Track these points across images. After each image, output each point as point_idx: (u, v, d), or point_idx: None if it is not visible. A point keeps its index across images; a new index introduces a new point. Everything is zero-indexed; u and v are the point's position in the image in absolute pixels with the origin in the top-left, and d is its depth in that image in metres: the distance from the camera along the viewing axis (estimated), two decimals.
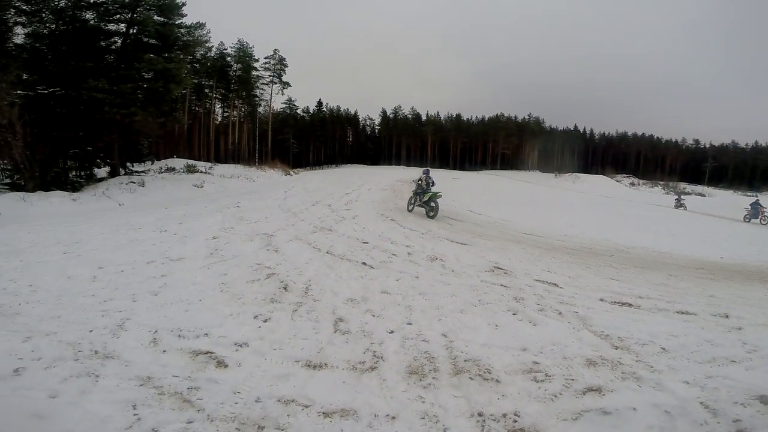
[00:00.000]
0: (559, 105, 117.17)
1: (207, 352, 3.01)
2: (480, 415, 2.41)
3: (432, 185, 10.58)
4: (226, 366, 2.85)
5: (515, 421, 2.36)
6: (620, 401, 2.53)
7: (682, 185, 53.58)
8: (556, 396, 2.61)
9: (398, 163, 54.34)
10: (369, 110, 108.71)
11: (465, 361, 3.02)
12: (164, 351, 3.04)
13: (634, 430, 2.28)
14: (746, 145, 68.14)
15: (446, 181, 27.09)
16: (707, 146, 69.16)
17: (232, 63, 39.71)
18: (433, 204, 9.97)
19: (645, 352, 3.22)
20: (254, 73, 41.43)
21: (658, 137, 72.42)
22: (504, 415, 2.41)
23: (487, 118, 67.88)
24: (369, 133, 68.20)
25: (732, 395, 2.60)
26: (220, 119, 43.01)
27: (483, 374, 2.84)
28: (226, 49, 39.17)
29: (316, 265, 5.30)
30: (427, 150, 63.95)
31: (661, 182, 54.13)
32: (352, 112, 65.38)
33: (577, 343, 3.36)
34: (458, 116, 67.95)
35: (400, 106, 66.69)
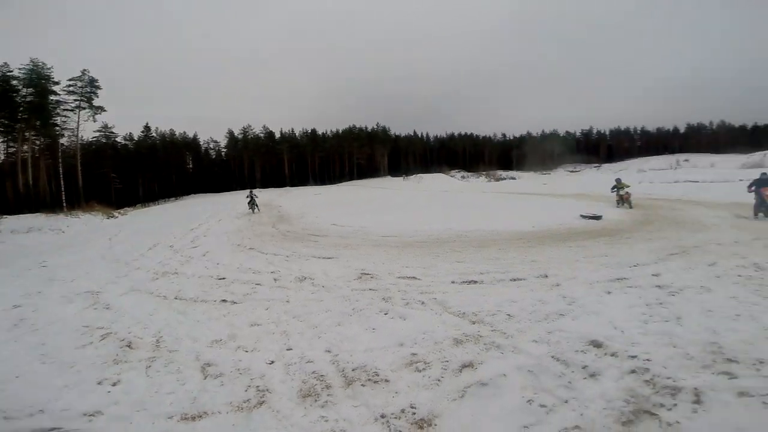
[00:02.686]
0: (401, 113, 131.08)
1: (52, 429, 2.55)
2: (383, 416, 2.49)
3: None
4: None
5: (414, 413, 2.51)
6: (491, 370, 2.89)
7: (499, 172, 65.81)
8: (439, 380, 2.85)
9: (253, 186, 51.47)
10: (212, 134, 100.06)
11: (353, 370, 3.08)
12: None
13: (511, 393, 2.61)
14: (537, 133, 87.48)
15: (307, 198, 27.01)
16: (511, 138, 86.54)
17: (20, 87, 31.30)
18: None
19: (496, 321, 3.77)
20: (53, 98, 33.46)
21: (476, 135, 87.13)
22: (403, 411, 2.54)
23: (341, 131, 70.28)
24: (214, 157, 62.84)
25: (571, 345, 3.18)
26: (3, 157, 33.43)
27: (373, 378, 2.94)
28: (10, 71, 30.62)
29: (163, 315, 4.64)
30: (284, 168, 62.37)
31: (484, 172, 65.30)
32: (191, 136, 59.21)
33: (442, 326, 3.74)
34: (314, 131, 68.52)
35: (250, 126, 63.49)
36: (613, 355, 2.99)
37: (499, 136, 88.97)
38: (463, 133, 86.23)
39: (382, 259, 6.83)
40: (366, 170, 67.06)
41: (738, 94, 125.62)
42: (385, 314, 4.16)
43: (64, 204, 30.37)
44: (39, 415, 2.72)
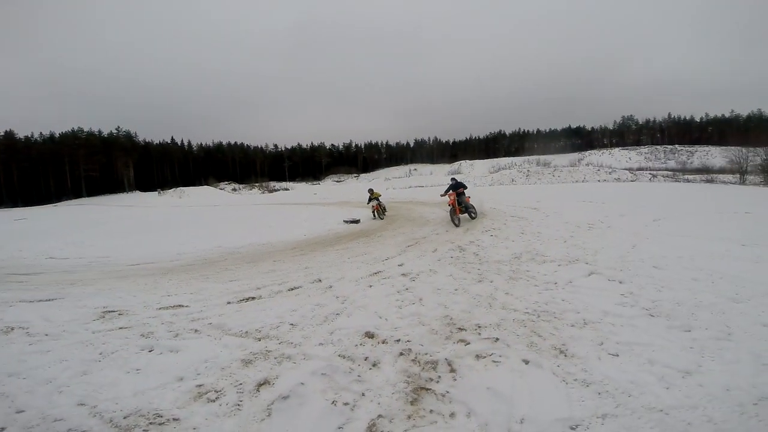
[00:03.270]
0: (153, 119, 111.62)
1: None
2: None
3: None
4: None
5: None
6: (289, 382, 2.84)
7: (272, 183, 66.13)
8: (239, 405, 2.63)
9: None
10: None
11: (125, 417, 2.52)
12: None
13: (314, 399, 2.63)
14: (306, 145, 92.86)
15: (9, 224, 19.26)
16: (283, 149, 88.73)
17: None
18: None
19: (281, 333, 3.76)
20: None
21: (248, 145, 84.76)
22: None
23: (58, 135, 53.43)
24: None
25: (351, 340, 3.45)
26: None
27: (156, 420, 2.49)
28: None
29: None
30: None
31: (256, 184, 64.17)
32: None
33: (225, 350, 3.46)
34: (11, 132, 49.21)
35: None
36: (383, 342, 3.44)
37: (271, 146, 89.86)
38: (233, 142, 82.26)
39: (132, 292, 5.67)
40: (103, 184, 54.11)
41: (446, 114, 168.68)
42: (150, 351, 3.49)
43: None
44: None
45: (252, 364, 3.22)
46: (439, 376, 2.91)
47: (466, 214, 10.83)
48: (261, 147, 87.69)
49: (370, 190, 14.95)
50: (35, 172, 50.80)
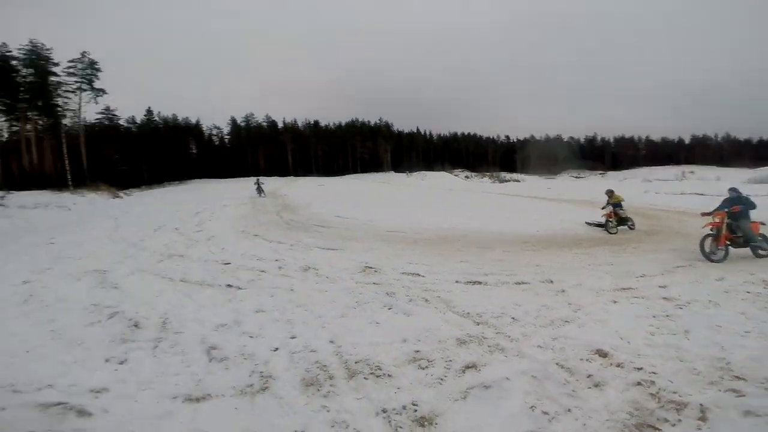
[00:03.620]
0: (404, 109, 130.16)
1: (59, 403, 2.56)
2: (384, 411, 2.50)
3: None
4: (89, 414, 2.47)
5: (416, 411, 2.50)
6: (495, 373, 2.86)
7: (503, 174, 65.74)
8: (442, 379, 2.85)
9: (257, 174, 51.35)
10: (215, 120, 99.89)
11: (356, 362, 3.08)
12: (3, 409, 2.50)
13: (515, 398, 2.58)
14: (541, 137, 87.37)
15: (311, 189, 27.02)
16: (515, 140, 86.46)
17: (20, 67, 31.21)
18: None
19: (500, 324, 3.75)
20: (54, 79, 33.43)
21: (480, 135, 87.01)
22: (404, 407, 2.53)
23: (344, 124, 70.07)
24: (217, 143, 62.74)
25: (576, 352, 3.15)
26: (7, 135, 33.42)
27: (375, 372, 2.95)
28: (9, 51, 30.52)
29: (169, 297, 4.68)
30: (287, 158, 62.27)
31: (487, 173, 65.25)
32: (193, 121, 59.06)
33: (446, 325, 3.74)
34: (317, 123, 68.34)
35: (252, 114, 63.32)
36: (618, 365, 2.97)
37: (503, 138, 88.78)
38: (466, 132, 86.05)
39: (386, 254, 6.86)
40: (369, 164, 66.93)
41: (745, 104, 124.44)
42: (389, 309, 4.17)
43: (70, 182, 30.47)
44: (47, 390, 2.75)
45: (465, 345, 3.33)
46: (680, 420, 2.34)
47: (748, 249, 6.70)
48: (492, 138, 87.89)
49: (609, 192, 10.86)
50: (330, 152, 68.09)
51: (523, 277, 5.40)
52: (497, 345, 3.33)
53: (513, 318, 3.90)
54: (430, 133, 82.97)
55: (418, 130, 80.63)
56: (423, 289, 4.80)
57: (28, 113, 32.78)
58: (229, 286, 5.05)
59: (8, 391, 2.74)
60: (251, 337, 3.59)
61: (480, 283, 5.13)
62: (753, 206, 6.87)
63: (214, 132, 62.21)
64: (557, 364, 3.00)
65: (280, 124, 64.74)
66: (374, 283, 5.06)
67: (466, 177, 62.27)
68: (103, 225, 11.18)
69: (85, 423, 2.41)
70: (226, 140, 63.14)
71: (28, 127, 33.15)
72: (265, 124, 63.60)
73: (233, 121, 62.35)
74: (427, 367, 3.02)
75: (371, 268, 5.82)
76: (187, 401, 2.63)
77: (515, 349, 3.26)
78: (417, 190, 31.69)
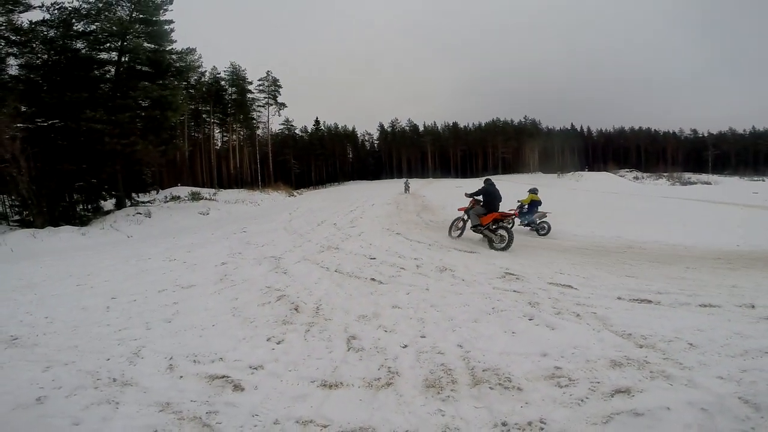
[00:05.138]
0: (554, 106, 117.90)
1: (223, 376, 2.99)
2: (504, 424, 2.33)
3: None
4: (242, 389, 2.82)
5: (542, 429, 2.28)
6: (652, 401, 2.44)
7: (687, 175, 53.42)
8: (582, 400, 2.52)
9: (400, 176, 54.50)
10: (366, 126, 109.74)
11: (483, 371, 2.94)
12: (181, 377, 3.03)
13: (670, 429, 2.19)
14: (744, 131, 68.10)
15: (449, 189, 27.19)
16: (705, 135, 69.31)
17: (227, 87, 40.35)
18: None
19: (672, 349, 3.12)
20: (249, 95, 42.13)
21: (655, 130, 72.88)
22: (529, 423, 2.32)
23: (483, 124, 68.40)
24: (368, 148, 68.79)
25: None
26: (220, 144, 43.54)
27: (503, 383, 2.76)
28: (219, 74, 39.87)
29: (325, 285, 5.27)
30: (427, 160, 64.23)
31: (665, 174, 53.90)
32: (350, 129, 66.05)
33: (599, 344, 3.27)
34: (455, 124, 68.59)
35: (398, 119, 67.50)
36: None
37: (688, 132, 71.88)
38: (636, 127, 72.78)
39: (530, 261, 6.35)
40: (512, 165, 63.36)
41: None
42: (530, 320, 3.84)
43: (260, 183, 37.90)
44: (218, 363, 3.20)
45: (620, 368, 2.85)
46: None
47: None
48: (673, 132, 71.84)
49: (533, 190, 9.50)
50: (469, 153, 67.12)
51: (711, 300, 4.31)
52: (662, 371, 2.76)
53: (690, 344, 3.18)
54: (588, 129, 73.53)
55: (572, 126, 72.43)
56: (574, 303, 4.26)
57: (234, 125, 42.14)
58: (373, 279, 5.43)
59: (190, 361, 3.26)
60: (386, 331, 3.76)
61: (650, 302, 4.28)
62: None
63: (366, 138, 68.36)
64: (740, 398, 2.39)
65: (421, 128, 66.91)
66: (515, 291, 4.74)
67: (635, 178, 52.71)
68: (281, 218, 13.47)
69: (237, 397, 2.72)
70: (375, 145, 68.65)
71: (234, 137, 42.61)
72: (407, 128, 66.74)
73: (381, 127, 67.34)
74: (567, 385, 2.68)
75: (512, 274, 5.48)
76: (322, 386, 2.84)
77: (686, 377, 2.67)
78: (569, 192, 28.44)
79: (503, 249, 7.32)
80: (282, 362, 3.22)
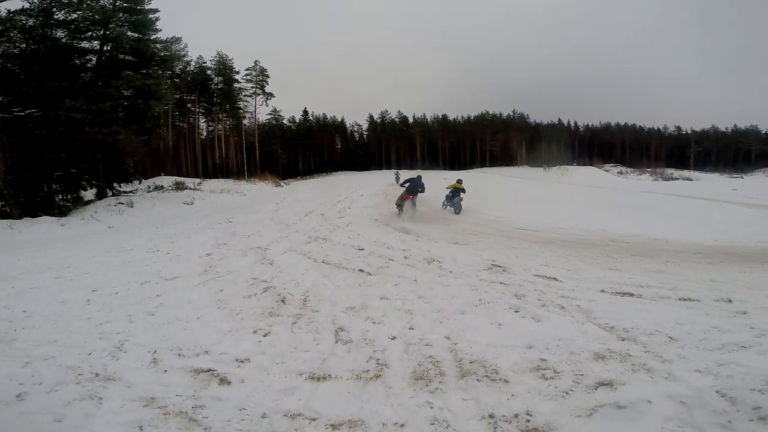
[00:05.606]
0: (542, 100, 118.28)
1: (209, 370, 2.96)
2: (491, 416, 2.36)
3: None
4: (229, 383, 2.80)
5: (528, 421, 2.32)
6: (633, 394, 2.50)
7: (669, 171, 54.60)
8: (567, 393, 2.57)
9: (389, 167, 54.33)
10: (355, 116, 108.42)
11: (470, 362, 2.97)
12: (165, 371, 2.99)
13: (651, 422, 2.24)
14: (726, 129, 69.77)
15: (437, 180, 27.18)
16: (689, 132, 70.73)
17: (213, 76, 39.40)
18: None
19: (652, 343, 3.19)
20: (236, 85, 41.20)
21: (640, 126, 73.84)
22: (516, 416, 2.36)
23: (472, 117, 68.32)
24: (357, 139, 68.19)
25: (748, 382, 2.56)
26: (205, 134, 42.67)
27: (490, 375, 2.80)
28: (205, 63, 38.83)
29: (312, 276, 5.25)
30: (416, 152, 64.06)
31: (648, 169, 55.02)
32: (339, 119, 65.34)
33: (583, 337, 3.33)
34: (444, 116, 68.35)
35: (387, 110, 66.84)
36: None
37: (672, 128, 73.29)
38: (622, 123, 73.85)
39: (517, 253, 6.42)
40: (500, 158, 63.73)
41: None
42: (516, 312, 3.90)
43: (246, 173, 37.36)
44: (203, 356, 3.17)
45: (603, 361, 2.92)
46: None
47: None
48: (657, 129, 73.05)
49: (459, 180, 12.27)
50: (457, 145, 67.04)
51: (691, 293, 4.41)
52: (644, 364, 2.83)
53: (670, 337, 3.26)
54: (575, 124, 74.21)
55: (559, 121, 73.02)
56: (559, 295, 4.32)
57: (220, 115, 41.32)
58: (361, 271, 5.42)
59: (175, 355, 3.21)
60: (374, 323, 3.76)
61: (632, 295, 4.37)
62: None
63: (355, 129, 67.76)
64: (717, 392, 2.46)
65: (411, 119, 66.62)
66: (501, 283, 4.79)
67: (620, 173, 53.65)
68: (267, 208, 13.31)
69: (223, 391, 2.70)
70: (364, 135, 68.13)
71: (220, 126, 41.79)
72: (397, 119, 66.36)
73: (371, 118, 66.80)
74: (552, 378, 2.73)
75: (499, 266, 5.53)
76: (310, 379, 2.84)
77: (666, 370, 2.74)
78: (555, 186, 28.82)
79: (403, 216, 10.43)
80: (269, 355, 3.20)
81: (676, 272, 5.44)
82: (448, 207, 11.88)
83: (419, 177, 11.58)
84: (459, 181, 12.29)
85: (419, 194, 11.02)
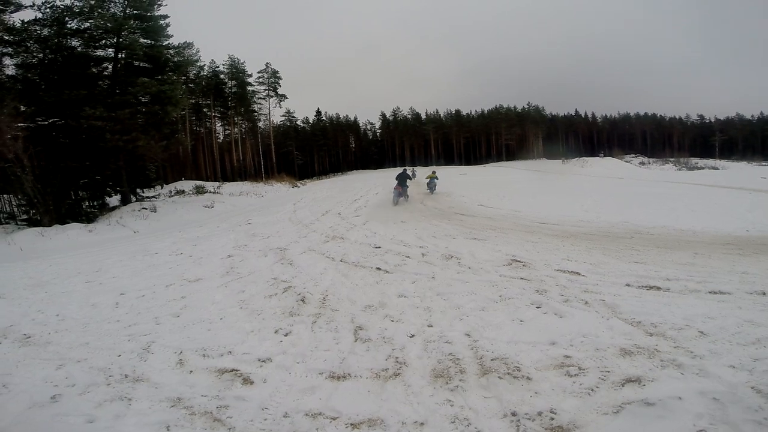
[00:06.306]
0: (557, 92, 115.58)
1: (232, 370, 3.02)
2: (513, 414, 2.33)
3: (414, 175, 21.85)
4: (252, 383, 2.85)
5: (552, 419, 2.27)
6: (663, 391, 2.42)
7: (693, 160, 52.71)
8: (592, 390, 2.51)
9: (403, 164, 54.20)
10: (368, 115, 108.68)
11: (492, 360, 2.93)
12: (191, 371, 3.06)
13: (681, 419, 2.16)
14: (752, 116, 66.84)
15: (452, 176, 27.00)
16: (712, 120, 68.10)
17: (226, 80, 39.98)
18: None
19: (682, 338, 3.08)
20: (249, 88, 41.74)
21: (661, 115, 71.48)
22: (539, 414, 2.32)
23: (486, 111, 67.47)
24: (371, 137, 68.27)
25: None
26: (222, 137, 43.43)
27: (512, 372, 2.76)
28: (218, 67, 39.43)
29: (331, 275, 5.28)
30: (430, 148, 63.73)
31: (671, 159, 53.25)
32: (352, 118, 65.52)
33: (608, 332, 3.24)
34: (458, 112, 67.70)
35: (399, 108, 66.71)
36: None
37: (694, 117, 70.62)
38: (642, 113, 71.59)
39: (537, 248, 6.29)
40: (516, 151, 62.68)
41: None
42: (537, 307, 3.82)
43: (263, 175, 37.91)
44: (227, 356, 3.24)
45: (630, 357, 2.83)
46: None
47: None
48: (679, 117, 70.45)
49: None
50: (472, 140, 66.33)
51: (722, 286, 4.23)
52: (673, 360, 2.73)
53: (701, 332, 3.14)
54: (593, 115, 72.35)
55: (576, 112, 71.34)
56: (582, 290, 4.22)
57: (235, 118, 41.98)
58: (378, 269, 5.42)
59: (200, 355, 3.30)
60: (393, 321, 3.76)
61: (659, 288, 4.23)
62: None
63: (368, 127, 67.83)
64: (752, 387, 2.37)
65: (423, 116, 66.23)
66: (522, 278, 4.70)
67: (641, 163, 51.99)
68: (285, 209, 13.50)
69: (246, 391, 2.74)
70: (377, 134, 68.14)
71: (236, 130, 42.47)
72: (409, 116, 66.08)
73: (383, 116, 66.72)
74: (576, 375, 2.66)
75: (519, 261, 5.43)
76: (330, 378, 2.85)
77: (697, 366, 2.64)
78: (575, 178, 28.15)
79: (396, 202, 12.75)
80: (290, 354, 3.23)
81: (705, 264, 5.24)
82: (429, 191, 15.78)
83: (404, 170, 14.48)
84: (433, 172, 16.86)
85: (411, 180, 13.98)
